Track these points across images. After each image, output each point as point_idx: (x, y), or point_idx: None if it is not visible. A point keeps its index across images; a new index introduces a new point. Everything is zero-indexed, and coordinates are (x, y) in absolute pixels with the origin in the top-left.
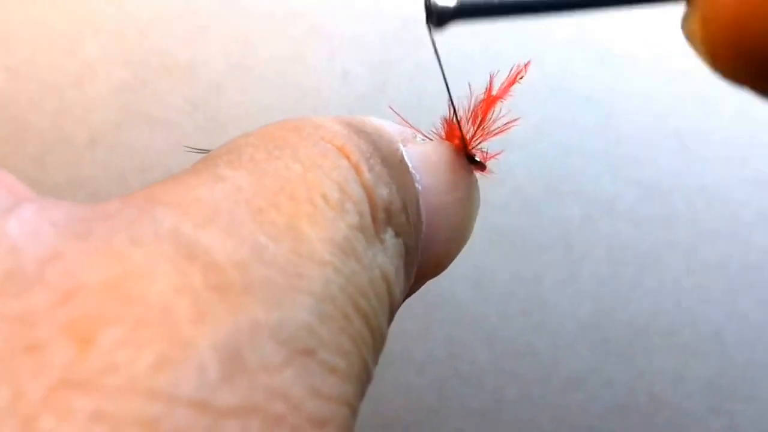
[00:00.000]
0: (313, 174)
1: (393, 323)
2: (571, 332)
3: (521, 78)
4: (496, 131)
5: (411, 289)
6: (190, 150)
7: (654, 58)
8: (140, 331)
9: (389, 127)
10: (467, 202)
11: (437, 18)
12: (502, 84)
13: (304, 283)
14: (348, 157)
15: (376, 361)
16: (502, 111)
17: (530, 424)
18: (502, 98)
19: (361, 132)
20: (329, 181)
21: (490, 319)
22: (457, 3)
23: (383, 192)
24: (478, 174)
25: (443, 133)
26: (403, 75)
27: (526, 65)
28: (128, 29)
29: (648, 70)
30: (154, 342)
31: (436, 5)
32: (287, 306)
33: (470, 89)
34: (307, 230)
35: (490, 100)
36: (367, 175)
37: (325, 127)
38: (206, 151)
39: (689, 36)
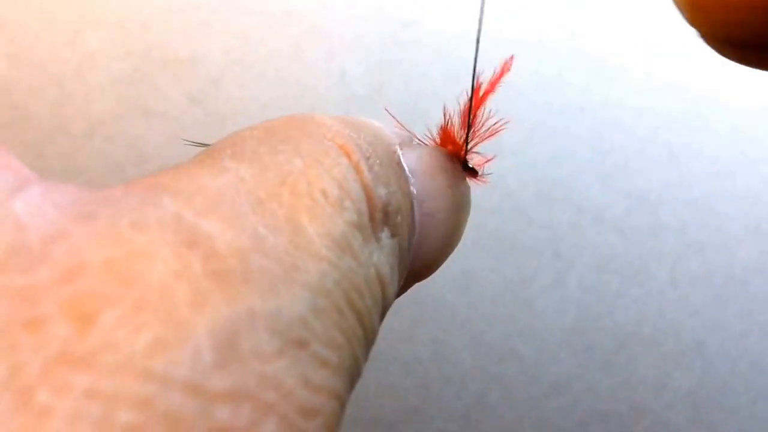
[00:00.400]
0: (314, 170)
1: None
2: (556, 338)
3: (508, 71)
4: (489, 134)
5: (399, 292)
6: (189, 143)
7: (648, 71)
8: (139, 312)
9: (387, 130)
10: (459, 208)
11: None
12: (490, 79)
13: (300, 276)
14: (349, 156)
15: (366, 358)
16: (493, 116)
17: (512, 427)
18: (491, 92)
19: (361, 132)
20: (329, 177)
21: (476, 322)
22: None
23: (381, 192)
24: (470, 180)
25: (438, 138)
26: (401, 77)
27: (510, 58)
28: (130, 22)
29: (641, 82)
30: (152, 324)
31: None
32: (283, 297)
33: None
34: (306, 224)
35: (480, 97)
36: (366, 174)
37: (327, 125)
38: (205, 144)
39: None
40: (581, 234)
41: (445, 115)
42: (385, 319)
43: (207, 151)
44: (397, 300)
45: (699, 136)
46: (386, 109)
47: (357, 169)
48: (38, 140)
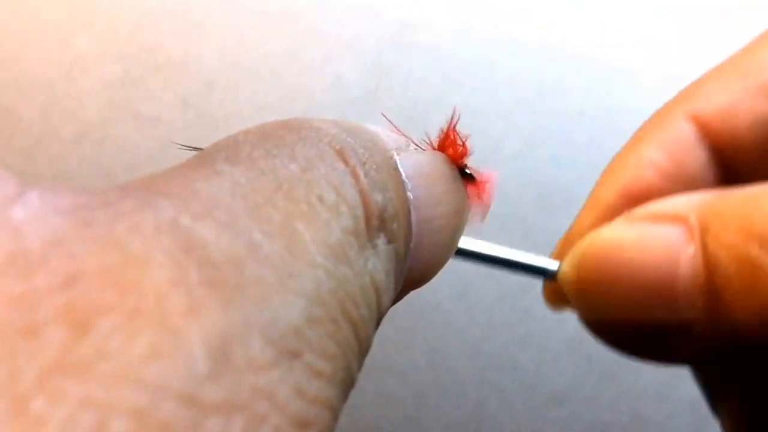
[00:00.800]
0: (310, 175)
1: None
2: (556, 347)
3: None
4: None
5: (394, 299)
6: (181, 147)
7: (649, 73)
8: (134, 320)
9: (383, 135)
10: (457, 215)
11: None
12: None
13: (295, 284)
14: (345, 161)
15: (359, 368)
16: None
17: None
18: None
19: (357, 137)
20: (326, 183)
21: (474, 330)
22: None
23: (378, 198)
24: (469, 187)
25: (436, 143)
26: (398, 81)
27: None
28: (121, 24)
29: (642, 84)
30: (147, 332)
31: None
32: (278, 306)
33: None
34: (302, 230)
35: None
36: (363, 179)
37: (323, 129)
38: (197, 148)
39: (563, 282)
40: None
41: (447, 120)
42: (380, 328)
43: (201, 154)
44: (392, 308)
45: None
46: (382, 114)
47: (353, 174)
48: (28, 145)
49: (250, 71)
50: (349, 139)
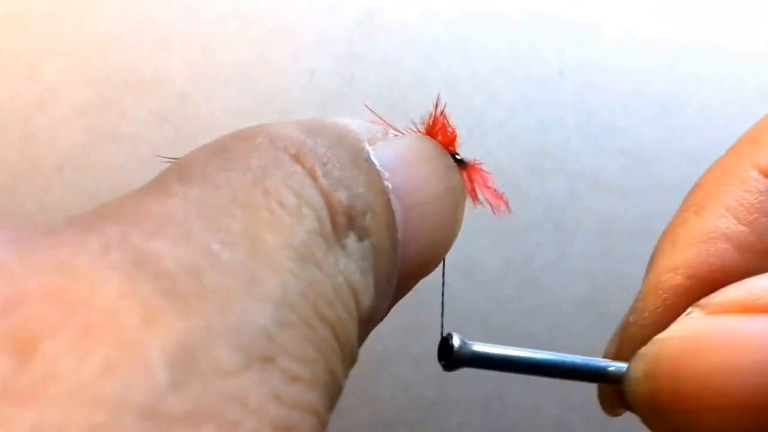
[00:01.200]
0: (267, 182)
1: (385, 321)
2: (568, 312)
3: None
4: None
5: (399, 293)
6: (163, 160)
7: (624, 27)
8: (84, 337)
9: (354, 126)
10: (447, 194)
11: (452, 363)
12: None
13: (261, 289)
14: (303, 164)
15: (346, 374)
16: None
17: (534, 410)
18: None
19: (319, 137)
20: (285, 188)
21: (484, 306)
22: (473, 352)
23: (342, 196)
24: (463, 171)
25: (423, 131)
26: (371, 67)
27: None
28: (87, 48)
29: (619, 39)
30: (99, 348)
31: (455, 351)
32: (242, 311)
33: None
34: (265, 236)
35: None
36: (322, 180)
37: (278, 135)
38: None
39: (631, 393)
40: (579, 201)
41: (432, 106)
42: (390, 317)
43: (155, 179)
44: None
45: (685, 87)
46: (365, 104)
47: (312, 176)
48: (8, 180)
49: (222, 79)
50: (308, 141)
